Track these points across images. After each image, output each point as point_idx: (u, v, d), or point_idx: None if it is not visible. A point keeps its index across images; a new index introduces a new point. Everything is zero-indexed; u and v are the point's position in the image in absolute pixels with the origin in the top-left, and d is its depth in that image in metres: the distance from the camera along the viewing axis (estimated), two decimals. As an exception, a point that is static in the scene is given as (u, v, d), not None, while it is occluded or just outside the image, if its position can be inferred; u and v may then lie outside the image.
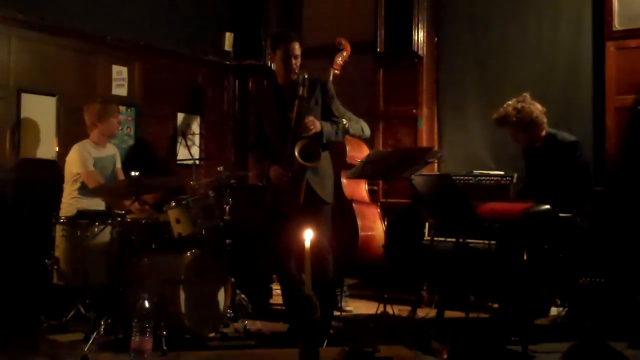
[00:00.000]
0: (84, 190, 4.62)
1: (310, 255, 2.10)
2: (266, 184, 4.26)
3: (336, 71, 5.20)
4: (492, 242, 4.32)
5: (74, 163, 4.63)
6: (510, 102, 4.32)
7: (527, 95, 4.32)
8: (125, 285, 4.15)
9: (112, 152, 4.90)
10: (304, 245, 2.08)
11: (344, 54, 5.32)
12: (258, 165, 4.49)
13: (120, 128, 5.12)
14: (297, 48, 3.98)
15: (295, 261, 4.06)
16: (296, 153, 3.82)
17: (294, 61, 3.97)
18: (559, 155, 4.24)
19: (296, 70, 3.99)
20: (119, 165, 4.94)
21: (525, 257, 4.03)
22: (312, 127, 3.88)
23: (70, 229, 4.28)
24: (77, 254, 4.23)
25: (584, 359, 2.01)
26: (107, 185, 4.68)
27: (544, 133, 4.32)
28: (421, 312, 4.85)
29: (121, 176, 4.91)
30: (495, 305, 4.66)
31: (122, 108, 5.49)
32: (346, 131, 4.37)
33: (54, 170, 4.81)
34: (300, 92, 3.90)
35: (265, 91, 4.22)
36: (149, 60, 5.82)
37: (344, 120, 4.29)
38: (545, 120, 4.28)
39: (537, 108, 4.27)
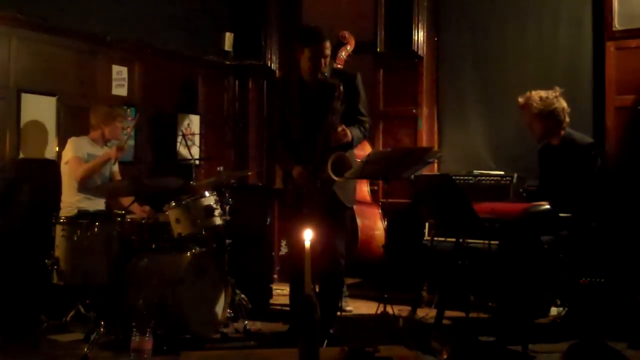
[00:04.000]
0: (83, 187, 4.62)
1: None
2: (289, 184, 4.19)
3: (339, 66, 5.17)
4: (492, 242, 4.33)
5: (67, 151, 4.64)
6: (539, 91, 4.36)
7: (558, 89, 4.37)
8: (125, 285, 4.15)
9: None
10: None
11: (348, 47, 5.28)
12: (281, 160, 4.37)
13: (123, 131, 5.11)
14: (327, 47, 3.90)
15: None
16: (329, 169, 3.78)
17: (323, 60, 3.89)
18: (575, 156, 4.26)
19: (324, 70, 3.91)
20: (115, 168, 4.93)
21: (525, 257, 4.04)
22: (344, 139, 3.85)
23: (70, 229, 4.28)
24: (77, 254, 4.22)
25: (583, 358, 2.01)
26: (106, 185, 4.70)
27: (562, 132, 4.34)
28: (421, 312, 4.85)
29: (118, 177, 4.91)
30: (495, 305, 4.66)
31: (124, 110, 5.47)
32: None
33: (54, 170, 4.80)
34: (334, 104, 3.83)
35: (290, 85, 4.12)
36: (149, 60, 5.81)
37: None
38: (566, 119, 4.32)
39: (562, 105, 4.32)
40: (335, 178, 3.81)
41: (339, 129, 3.84)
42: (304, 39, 3.96)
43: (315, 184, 3.88)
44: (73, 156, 4.60)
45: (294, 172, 3.99)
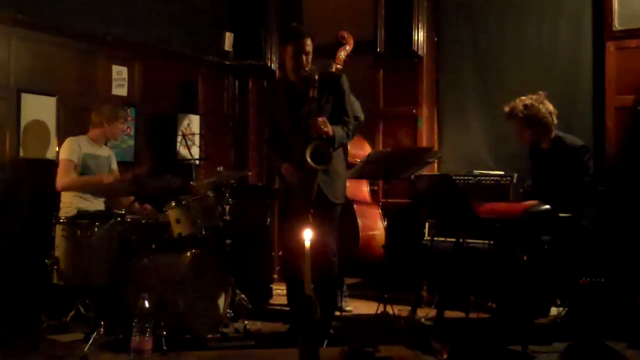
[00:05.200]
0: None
1: (313, 255, 2.10)
2: (279, 183, 4.23)
3: (338, 66, 5.17)
4: (492, 242, 4.33)
5: (61, 152, 4.65)
6: (523, 98, 4.35)
7: (542, 93, 4.35)
8: (125, 285, 4.15)
9: (107, 153, 4.90)
10: (311, 245, 2.09)
11: (347, 48, 5.28)
12: (272, 161, 4.43)
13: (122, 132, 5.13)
14: (308, 44, 3.95)
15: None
16: (307, 156, 3.79)
17: (304, 57, 3.94)
18: (566, 159, 4.26)
19: (306, 67, 3.95)
20: (114, 167, 4.94)
21: (525, 257, 4.04)
22: (324, 128, 3.85)
23: (70, 229, 4.29)
24: (77, 254, 4.23)
25: (582, 358, 2.01)
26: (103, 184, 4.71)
27: (552, 135, 4.33)
28: (421, 312, 4.85)
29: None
30: (494, 305, 4.66)
31: (127, 111, 5.47)
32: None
33: (54, 170, 4.80)
34: (311, 94, 3.86)
35: (278, 87, 4.19)
36: (149, 60, 5.81)
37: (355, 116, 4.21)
38: (554, 122, 4.31)
39: (547, 108, 4.29)
40: (315, 166, 3.81)
41: (320, 119, 3.84)
42: (285, 37, 4.08)
43: (301, 177, 3.89)
44: (64, 159, 4.60)
45: (282, 169, 4.02)
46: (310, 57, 3.97)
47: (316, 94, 3.87)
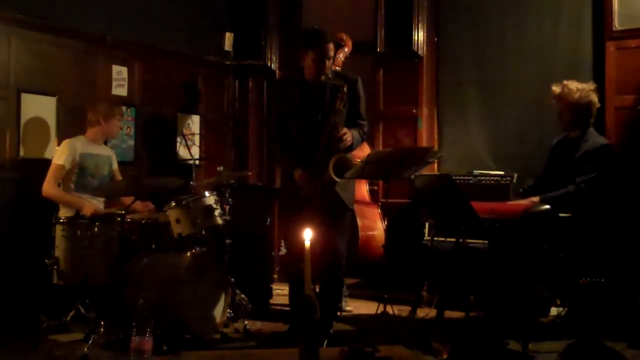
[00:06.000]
0: (79, 186, 4.62)
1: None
2: (287, 184, 4.22)
3: (337, 68, 5.18)
4: (490, 242, 4.33)
5: (55, 155, 4.63)
6: (574, 82, 4.41)
7: (592, 84, 4.45)
8: (125, 285, 4.15)
9: (108, 153, 4.90)
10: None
11: (346, 50, 5.28)
12: (282, 162, 4.38)
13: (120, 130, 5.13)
14: (331, 49, 3.94)
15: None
16: (331, 170, 3.81)
17: (327, 62, 3.93)
18: (586, 154, 4.32)
19: (329, 73, 3.95)
20: (115, 166, 4.94)
21: (524, 257, 4.04)
22: (346, 142, 3.90)
23: (70, 229, 4.29)
24: (77, 254, 4.23)
25: (581, 358, 2.01)
26: (105, 187, 4.71)
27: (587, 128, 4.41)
28: (421, 312, 4.85)
29: (119, 177, 4.92)
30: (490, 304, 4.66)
31: (122, 108, 5.48)
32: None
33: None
34: (338, 105, 3.86)
35: (291, 85, 4.14)
36: (149, 60, 5.81)
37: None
38: (594, 114, 4.38)
39: (595, 99, 4.38)
40: (337, 179, 3.83)
41: (342, 132, 3.86)
42: (308, 42, 3.98)
43: (317, 186, 3.89)
44: (55, 163, 4.57)
45: (295, 174, 4.01)
46: (331, 62, 3.98)
47: (342, 107, 3.89)
